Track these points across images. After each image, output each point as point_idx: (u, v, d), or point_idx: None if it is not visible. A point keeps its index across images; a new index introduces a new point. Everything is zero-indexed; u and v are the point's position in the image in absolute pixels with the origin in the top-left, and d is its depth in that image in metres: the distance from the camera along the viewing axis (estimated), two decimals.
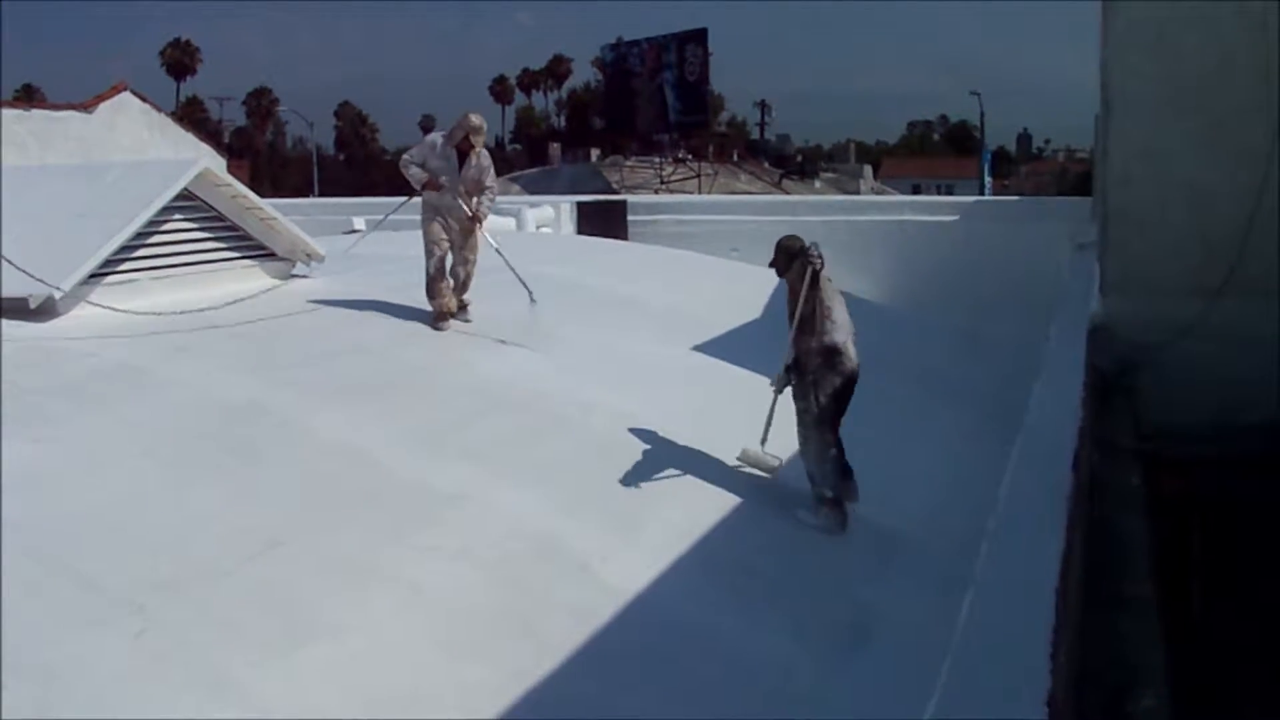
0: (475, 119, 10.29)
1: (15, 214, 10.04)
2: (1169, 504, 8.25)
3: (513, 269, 10.67)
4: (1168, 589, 5.62)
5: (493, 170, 10.58)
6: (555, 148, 69.26)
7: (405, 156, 10.64)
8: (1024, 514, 5.18)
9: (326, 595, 5.71)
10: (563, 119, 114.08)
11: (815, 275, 8.03)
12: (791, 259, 8.27)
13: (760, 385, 8.39)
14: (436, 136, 10.52)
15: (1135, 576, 5.51)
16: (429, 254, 10.49)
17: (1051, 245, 17.15)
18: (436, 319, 10.45)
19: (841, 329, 7.92)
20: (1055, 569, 4.15)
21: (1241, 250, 11.68)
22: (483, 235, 10.51)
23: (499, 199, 11.97)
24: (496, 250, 10.65)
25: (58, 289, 8.91)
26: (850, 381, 7.89)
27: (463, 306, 10.73)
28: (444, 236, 10.49)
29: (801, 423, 7.99)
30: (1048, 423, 7.10)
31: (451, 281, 10.61)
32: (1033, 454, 6.33)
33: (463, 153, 10.30)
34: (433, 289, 10.49)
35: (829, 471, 7.83)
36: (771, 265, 8.54)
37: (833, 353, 7.82)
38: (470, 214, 10.35)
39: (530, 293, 10.62)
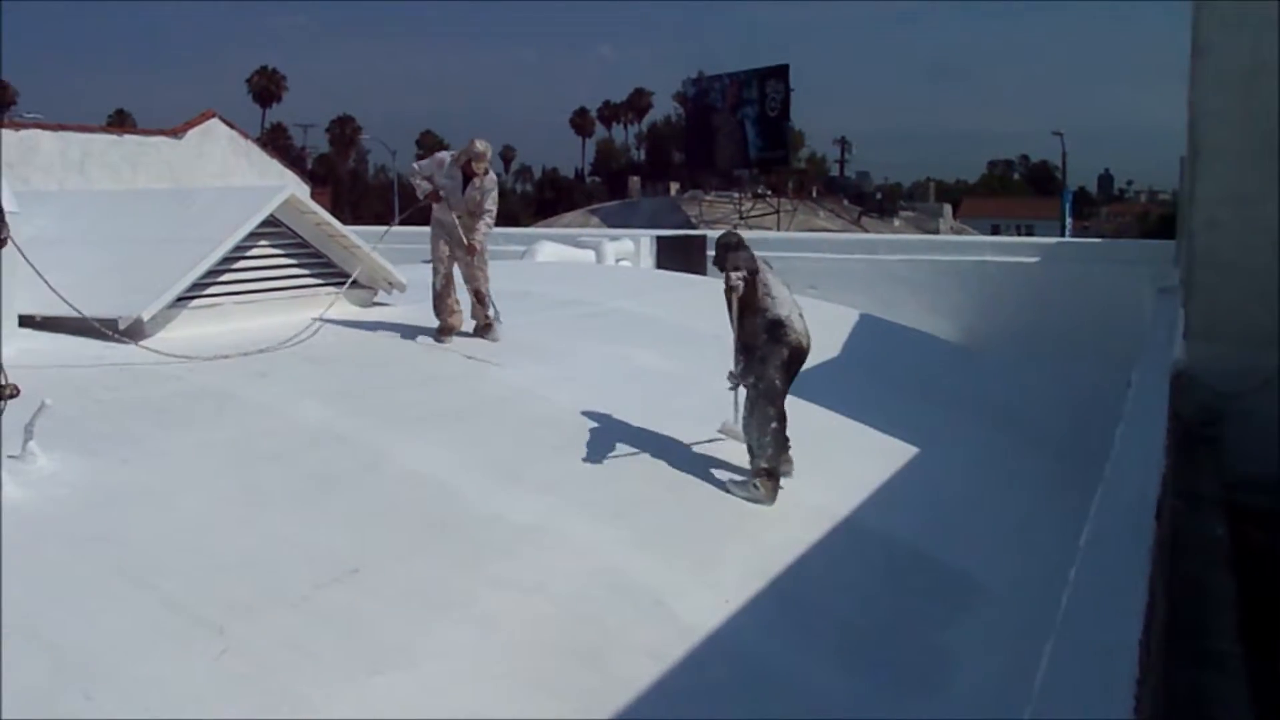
0: (480, 145, 10.61)
1: (107, 237, 10.25)
2: (1254, 557, 8.09)
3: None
4: (1253, 645, 5.50)
5: (494, 194, 10.80)
6: (635, 181, 69.46)
7: (414, 166, 11.19)
8: (1106, 564, 5.11)
9: (401, 623, 5.74)
10: (643, 152, 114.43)
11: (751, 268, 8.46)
12: (729, 253, 8.63)
13: (839, 423, 8.39)
14: (446, 155, 10.92)
15: (1220, 632, 5.40)
16: (434, 271, 10.85)
17: (1133, 289, 16.95)
18: (440, 333, 10.78)
19: (784, 304, 8.36)
20: (1139, 622, 4.08)
21: None
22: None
23: (579, 231, 12.14)
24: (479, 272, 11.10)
25: (143, 314, 9.07)
26: (796, 354, 8.29)
27: (488, 325, 11.02)
28: (449, 254, 10.80)
29: (749, 397, 8.33)
30: (1130, 471, 6.99)
31: (457, 300, 10.95)
32: (1114, 503, 6.24)
33: (468, 175, 10.59)
34: (437, 305, 10.84)
35: (768, 444, 8.14)
36: (715, 263, 9.04)
37: (777, 325, 8.24)
38: (465, 241, 10.67)
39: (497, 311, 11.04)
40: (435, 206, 10.81)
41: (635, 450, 8.51)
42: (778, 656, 6.33)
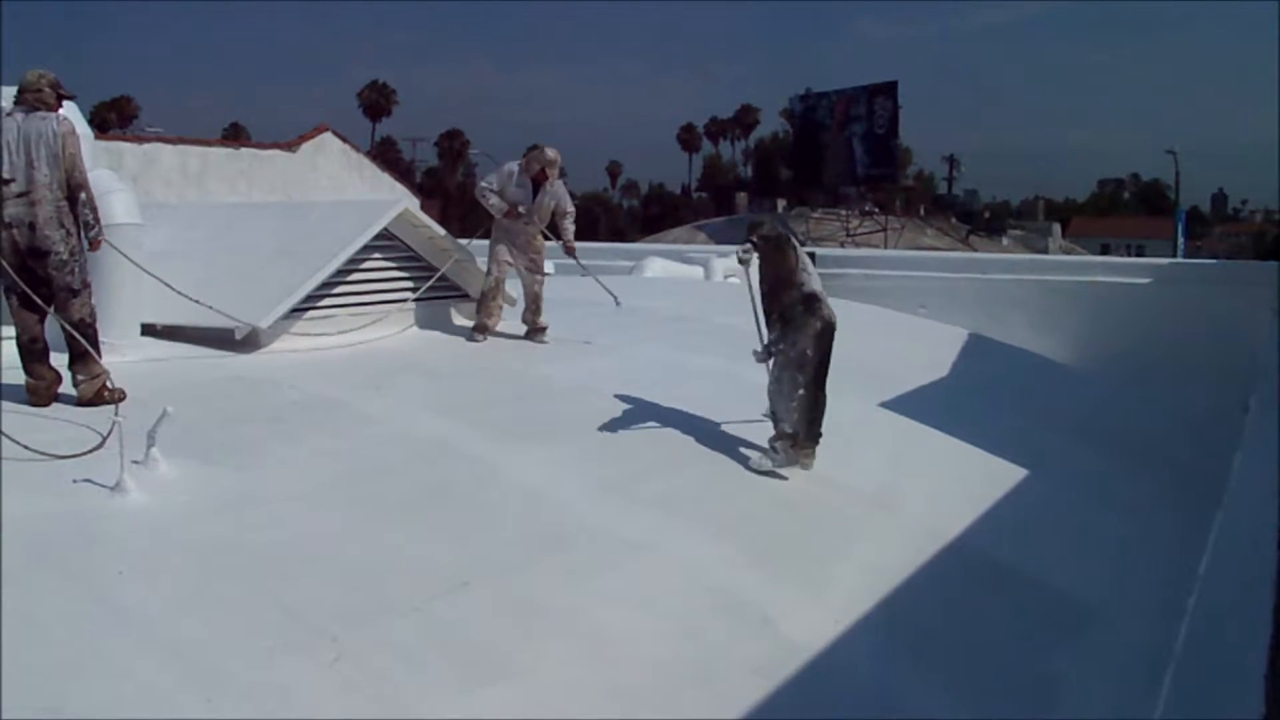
0: (551, 152, 11.12)
1: (225, 249, 10.47)
2: None
3: (596, 279, 12.20)
4: None
5: (568, 196, 11.37)
6: (742, 197, 69.18)
7: (483, 184, 11.51)
8: (1227, 593, 5.03)
9: (510, 637, 5.76)
10: (750, 169, 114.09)
11: (781, 245, 8.50)
12: (767, 240, 8.61)
13: (948, 443, 8.32)
14: (513, 166, 11.30)
15: None
16: (488, 272, 11.26)
17: (1249, 311, 16.62)
18: (476, 330, 11.20)
19: (816, 280, 8.43)
20: (1263, 654, 4.01)
21: None
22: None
23: (687, 247, 12.43)
24: (583, 269, 12.23)
25: (259, 324, 9.26)
26: (828, 328, 8.30)
27: (539, 329, 11.35)
28: (507, 259, 11.24)
29: (777, 364, 8.40)
30: (1249, 498, 6.88)
31: (501, 305, 11.42)
32: (1234, 531, 6.14)
33: (536, 183, 11.07)
34: (482, 304, 11.25)
35: (793, 409, 8.26)
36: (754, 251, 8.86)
37: (812, 299, 8.29)
38: (563, 242, 11.40)
39: (615, 297, 12.03)
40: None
41: (744, 467, 8.50)
42: (886, 677, 6.28)
